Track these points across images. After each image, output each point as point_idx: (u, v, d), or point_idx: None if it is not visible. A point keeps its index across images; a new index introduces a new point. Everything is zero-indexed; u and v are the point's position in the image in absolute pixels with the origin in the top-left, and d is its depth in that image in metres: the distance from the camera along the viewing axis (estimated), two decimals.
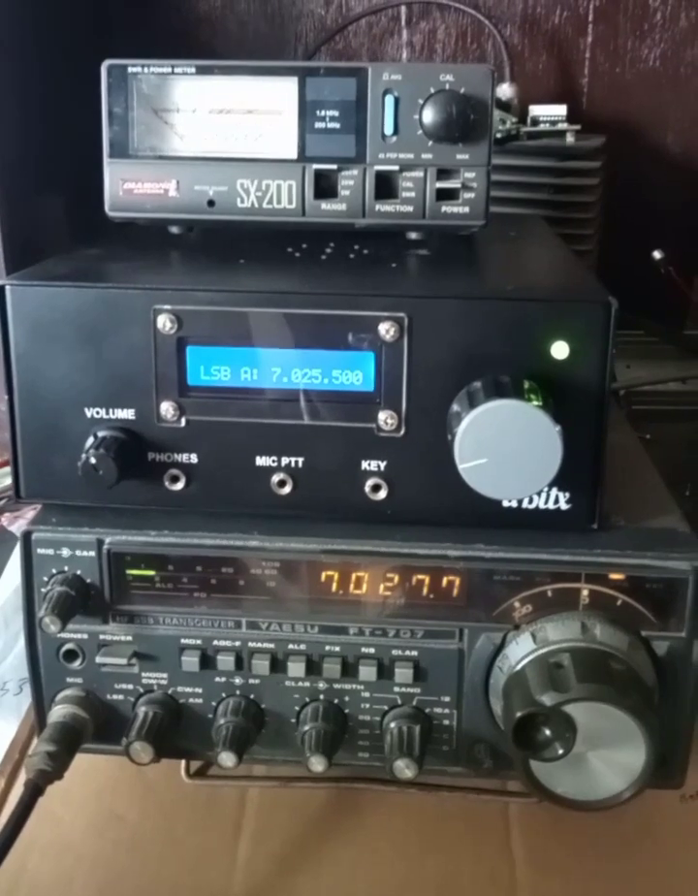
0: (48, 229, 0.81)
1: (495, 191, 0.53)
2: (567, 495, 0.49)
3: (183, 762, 0.57)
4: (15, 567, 0.74)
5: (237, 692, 0.51)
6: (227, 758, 0.49)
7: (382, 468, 0.49)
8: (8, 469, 0.80)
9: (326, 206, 0.53)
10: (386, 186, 0.53)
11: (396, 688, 0.50)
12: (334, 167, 0.53)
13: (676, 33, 0.92)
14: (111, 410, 0.49)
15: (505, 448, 0.44)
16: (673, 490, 0.55)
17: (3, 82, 0.73)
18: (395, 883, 0.51)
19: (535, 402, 0.44)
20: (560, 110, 0.84)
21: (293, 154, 0.53)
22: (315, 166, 0.53)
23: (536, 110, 0.84)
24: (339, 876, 0.52)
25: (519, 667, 0.47)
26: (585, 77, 0.94)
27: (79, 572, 0.50)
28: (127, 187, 0.54)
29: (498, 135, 0.81)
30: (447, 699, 0.50)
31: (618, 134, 0.90)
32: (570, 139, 0.83)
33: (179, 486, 0.50)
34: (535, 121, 0.84)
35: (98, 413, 0.49)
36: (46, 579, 0.50)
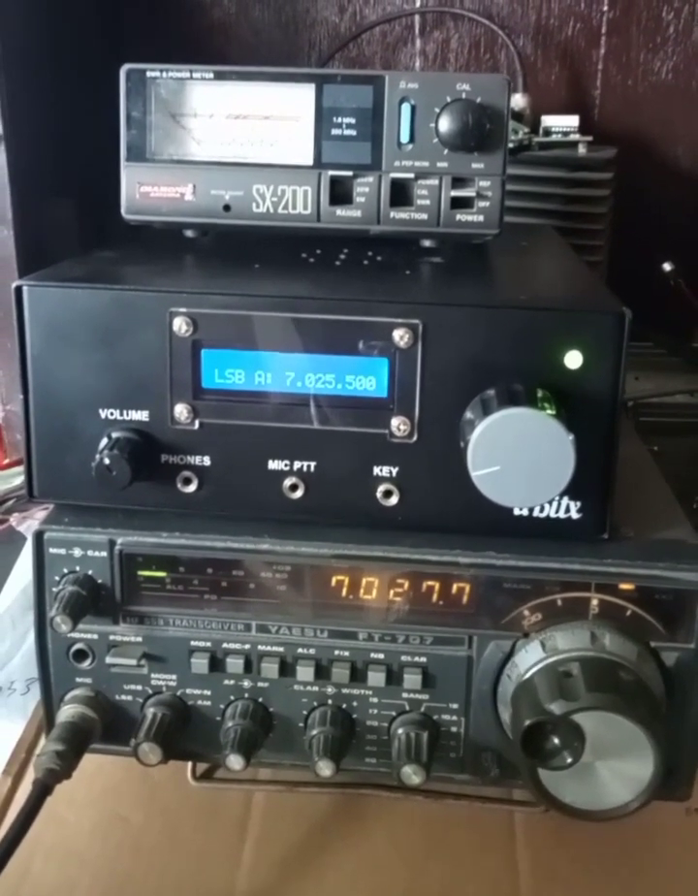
0: (61, 231, 0.81)
1: (506, 200, 0.54)
2: (578, 504, 0.49)
3: (189, 765, 0.57)
4: (21, 568, 0.75)
5: (246, 695, 0.51)
6: (235, 761, 0.49)
7: (394, 474, 0.49)
8: (17, 470, 0.81)
9: (341, 212, 0.54)
10: (401, 194, 0.53)
11: (405, 694, 0.50)
12: (350, 174, 0.53)
13: (688, 47, 0.92)
14: (125, 412, 0.49)
15: (518, 456, 0.44)
16: (681, 502, 0.55)
17: (17, 88, 0.74)
18: (398, 890, 0.51)
19: (549, 411, 0.44)
20: (572, 121, 0.84)
21: (309, 160, 0.53)
22: (331, 172, 0.53)
23: (548, 120, 0.85)
24: (343, 881, 0.51)
25: (528, 675, 0.47)
26: (597, 88, 0.94)
27: (90, 572, 0.50)
28: (144, 190, 0.54)
29: (510, 145, 0.81)
30: (455, 706, 0.50)
31: (630, 146, 0.91)
32: (582, 150, 0.83)
33: (192, 488, 0.50)
34: (547, 132, 0.84)
35: (112, 414, 0.49)
36: (57, 578, 0.50)
